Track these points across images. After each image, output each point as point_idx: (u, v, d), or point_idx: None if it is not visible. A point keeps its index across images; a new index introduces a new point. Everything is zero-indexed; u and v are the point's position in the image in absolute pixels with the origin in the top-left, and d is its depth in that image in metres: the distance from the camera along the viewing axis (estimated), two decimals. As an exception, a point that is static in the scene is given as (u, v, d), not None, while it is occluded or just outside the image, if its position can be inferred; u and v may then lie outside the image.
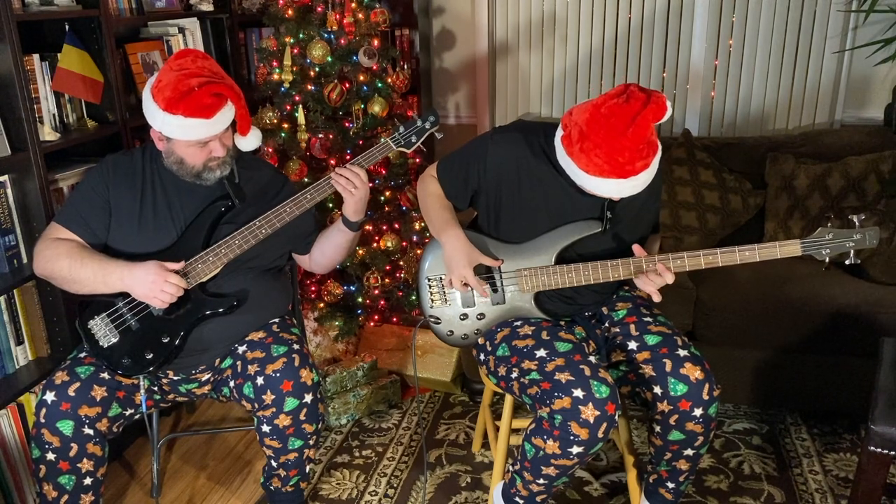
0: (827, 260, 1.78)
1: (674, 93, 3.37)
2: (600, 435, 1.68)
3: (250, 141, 1.99)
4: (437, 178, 2.02)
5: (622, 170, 1.65)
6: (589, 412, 1.66)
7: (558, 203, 1.88)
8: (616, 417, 1.69)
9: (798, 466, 2.39)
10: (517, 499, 1.90)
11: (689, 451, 1.85)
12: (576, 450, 1.70)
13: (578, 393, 1.67)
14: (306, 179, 2.82)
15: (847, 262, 1.79)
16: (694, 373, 1.77)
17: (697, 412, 1.77)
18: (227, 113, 1.87)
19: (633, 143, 1.62)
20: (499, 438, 2.09)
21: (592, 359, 1.76)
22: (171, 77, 1.82)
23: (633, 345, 1.86)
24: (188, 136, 1.84)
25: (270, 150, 2.88)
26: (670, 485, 1.97)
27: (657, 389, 1.80)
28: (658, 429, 1.85)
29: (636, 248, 1.82)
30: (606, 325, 1.97)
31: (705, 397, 1.77)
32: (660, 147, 1.70)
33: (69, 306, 2.22)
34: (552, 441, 1.71)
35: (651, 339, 1.84)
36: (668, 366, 1.78)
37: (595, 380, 1.69)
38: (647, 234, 1.99)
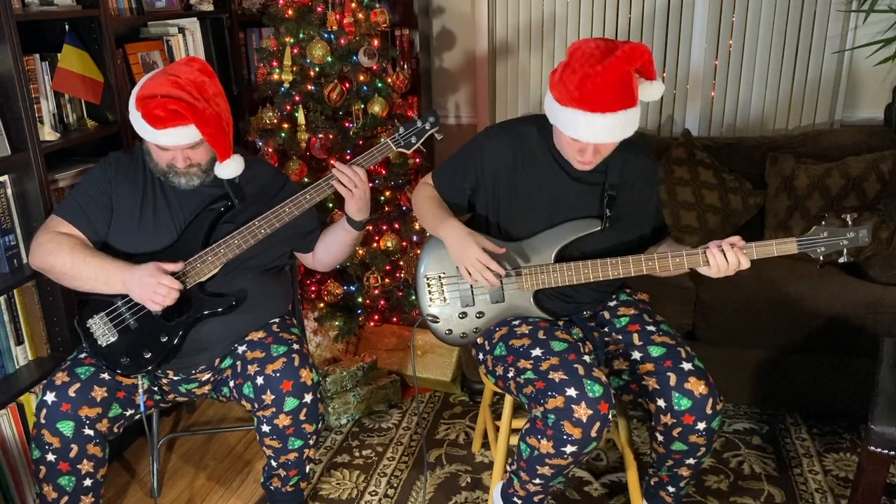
0: (822, 258, 1.79)
1: (674, 93, 3.37)
2: (593, 434, 1.68)
3: (226, 169, 1.89)
4: (434, 186, 2.03)
5: (589, 99, 1.66)
6: (582, 411, 1.66)
7: (555, 192, 1.90)
8: (610, 417, 1.69)
9: (798, 466, 2.39)
10: (515, 499, 1.90)
11: (691, 461, 1.85)
12: (569, 449, 1.69)
13: (571, 392, 1.67)
14: (306, 179, 2.82)
15: (841, 259, 1.80)
16: (698, 387, 1.76)
17: (701, 426, 1.77)
18: (183, 132, 1.81)
19: (605, 73, 1.64)
20: (499, 438, 2.09)
21: (587, 358, 1.76)
22: (157, 79, 1.84)
23: (636, 355, 1.85)
24: (144, 136, 1.86)
25: (270, 150, 2.88)
26: (671, 489, 1.97)
27: (661, 402, 1.79)
28: (661, 439, 1.84)
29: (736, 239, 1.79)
30: (607, 329, 1.96)
31: (709, 411, 1.76)
32: (639, 105, 1.72)
33: (69, 306, 2.22)
34: (546, 440, 1.71)
35: (655, 351, 1.83)
36: (673, 380, 1.77)
37: (588, 378, 1.69)
38: (647, 233, 1.98)
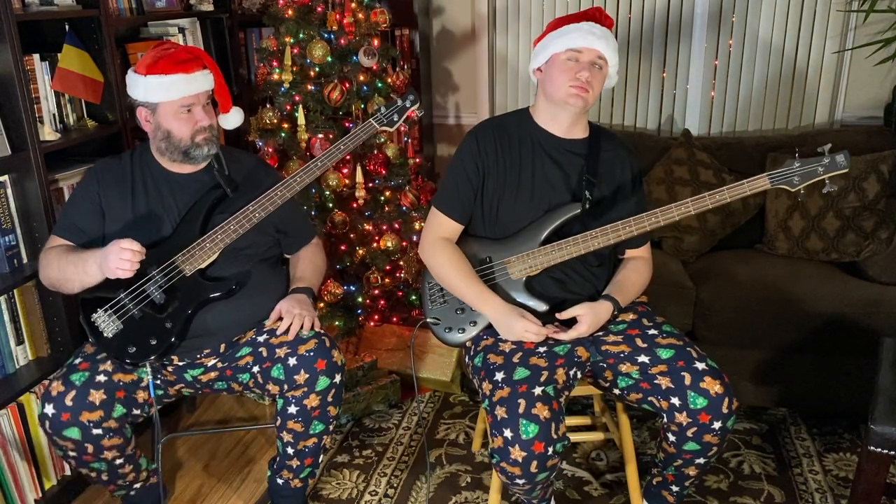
0: (802, 190, 1.79)
1: (674, 93, 3.37)
2: (533, 470, 1.67)
3: (233, 118, 2.05)
4: (439, 210, 2.01)
5: (579, 16, 1.92)
6: (517, 453, 1.65)
7: (536, 172, 1.95)
8: (549, 452, 1.66)
9: (798, 466, 2.39)
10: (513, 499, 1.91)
11: (701, 460, 1.84)
12: (519, 481, 1.71)
13: (508, 433, 1.66)
14: (306, 179, 2.81)
15: (824, 190, 1.79)
16: (714, 386, 1.75)
17: (716, 425, 1.76)
18: (206, 76, 1.94)
19: (582, 12, 1.96)
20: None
21: (539, 390, 1.71)
22: (152, 53, 1.91)
23: (643, 358, 1.83)
24: (170, 95, 1.88)
25: (270, 150, 2.87)
26: (675, 488, 1.96)
27: (675, 401, 1.77)
28: (673, 438, 1.83)
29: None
30: (601, 335, 1.95)
31: (725, 411, 1.75)
32: (615, 32, 1.95)
33: (69, 306, 2.22)
34: (499, 473, 1.74)
35: (664, 353, 1.82)
36: (688, 379, 1.76)
37: (525, 418, 1.66)
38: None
